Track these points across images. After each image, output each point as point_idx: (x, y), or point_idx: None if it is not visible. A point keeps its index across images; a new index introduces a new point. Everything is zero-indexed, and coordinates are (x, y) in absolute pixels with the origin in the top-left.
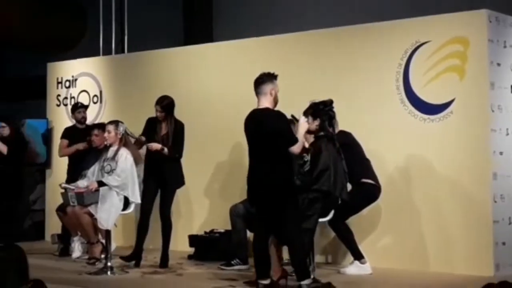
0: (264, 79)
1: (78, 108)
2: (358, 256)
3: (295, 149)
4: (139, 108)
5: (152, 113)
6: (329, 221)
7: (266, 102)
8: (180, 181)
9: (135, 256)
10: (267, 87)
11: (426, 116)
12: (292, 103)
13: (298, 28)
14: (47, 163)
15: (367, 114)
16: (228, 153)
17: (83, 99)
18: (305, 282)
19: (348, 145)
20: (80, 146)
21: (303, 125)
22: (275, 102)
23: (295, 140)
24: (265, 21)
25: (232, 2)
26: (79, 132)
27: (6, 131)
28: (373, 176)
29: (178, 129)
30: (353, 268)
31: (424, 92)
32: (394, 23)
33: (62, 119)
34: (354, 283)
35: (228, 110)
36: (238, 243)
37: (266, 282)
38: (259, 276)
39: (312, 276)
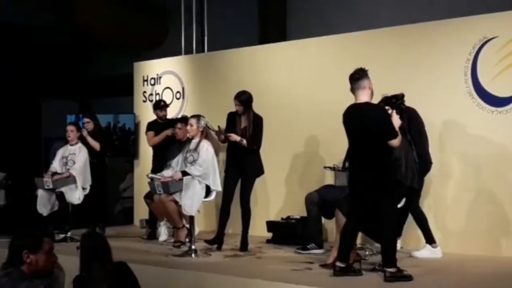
0: (361, 74)
1: (161, 107)
2: (431, 240)
3: (396, 142)
4: (219, 103)
5: (231, 108)
6: (409, 208)
7: (365, 97)
8: (259, 171)
9: (217, 240)
10: (365, 82)
11: (493, 108)
12: None
13: (369, 26)
14: (135, 155)
15: (437, 107)
16: (304, 145)
17: (167, 95)
18: (391, 269)
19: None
20: (168, 132)
21: (395, 119)
22: (372, 96)
23: (396, 134)
24: (337, 19)
25: (305, 1)
26: (161, 126)
27: (90, 125)
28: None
29: (257, 121)
30: (425, 252)
31: (491, 85)
32: (462, 20)
33: (148, 114)
34: (428, 267)
35: (303, 105)
36: (314, 229)
37: (343, 265)
38: (339, 258)
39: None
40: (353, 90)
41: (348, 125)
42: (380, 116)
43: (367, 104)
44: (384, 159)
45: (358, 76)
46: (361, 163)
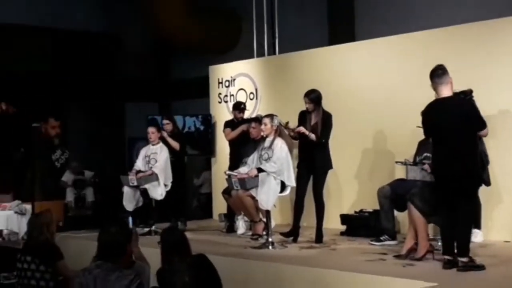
0: (444, 70)
1: (240, 109)
2: (478, 225)
3: (486, 132)
4: (290, 103)
5: (302, 107)
6: None
7: (447, 91)
8: (328, 165)
9: (293, 233)
10: (447, 77)
11: None
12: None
13: (437, 24)
14: (212, 153)
15: (503, 104)
16: (373, 141)
17: (241, 96)
18: (463, 259)
19: None
20: (244, 127)
21: None
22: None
23: (485, 124)
24: (404, 19)
25: (373, 3)
26: (236, 125)
27: (169, 127)
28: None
29: (326, 118)
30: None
31: None
32: None
33: (223, 114)
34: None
35: (371, 103)
36: (386, 221)
37: (450, 258)
38: (444, 252)
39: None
40: (436, 85)
41: (432, 120)
42: (469, 107)
43: (452, 98)
44: (474, 151)
45: (441, 72)
46: (450, 156)
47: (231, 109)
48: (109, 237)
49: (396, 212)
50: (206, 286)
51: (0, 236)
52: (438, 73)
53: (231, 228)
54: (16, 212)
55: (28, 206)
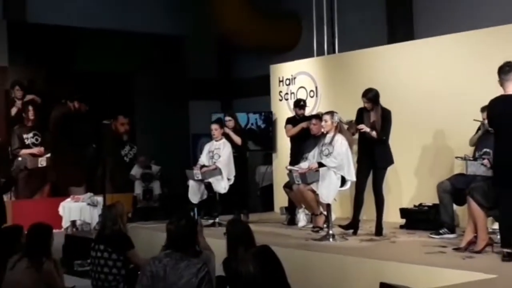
0: (510, 67)
1: (300, 106)
2: None
3: None
4: (350, 100)
5: (361, 103)
6: None
7: None
8: (389, 161)
9: (352, 226)
10: None
11: None
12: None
13: (500, 21)
14: (273, 148)
15: None
16: (432, 137)
17: (301, 94)
18: (507, 249)
19: None
20: (304, 124)
21: None
22: None
23: None
24: (463, 17)
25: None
26: (298, 121)
27: (231, 123)
28: None
29: (385, 115)
30: None
31: None
32: None
33: (283, 112)
34: None
35: (430, 100)
36: (446, 215)
37: (510, 250)
38: (503, 245)
39: None
40: (502, 81)
41: (497, 115)
42: None
43: None
44: None
45: (508, 69)
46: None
47: (292, 106)
48: (178, 228)
49: (455, 206)
50: (271, 276)
51: (73, 226)
52: (504, 70)
53: (292, 221)
54: (88, 204)
55: (99, 198)
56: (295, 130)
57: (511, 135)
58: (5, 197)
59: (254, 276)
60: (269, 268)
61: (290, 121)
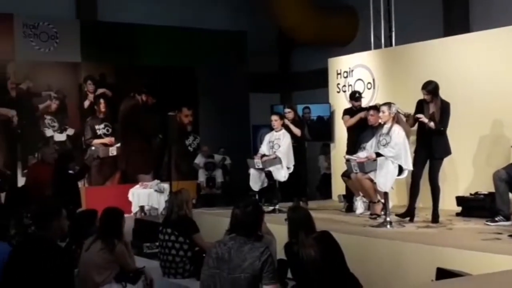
0: None
1: (356, 98)
2: None
3: None
4: (407, 91)
5: (418, 96)
6: None
7: None
8: (446, 151)
9: (409, 213)
10: None
11: None
12: None
13: None
14: (331, 139)
15: None
16: (489, 127)
17: (359, 86)
18: None
19: None
20: (362, 114)
21: None
22: None
23: None
24: None
25: None
26: (355, 112)
27: (290, 115)
28: None
29: (444, 107)
30: None
31: None
32: None
33: (341, 103)
34: None
35: (487, 91)
36: (501, 203)
37: None
38: None
39: None
40: None
41: None
42: None
43: None
44: None
45: None
46: None
47: (348, 98)
48: (245, 214)
49: (510, 195)
50: (331, 260)
51: (142, 211)
52: None
53: (349, 208)
54: (155, 191)
55: (166, 185)
56: (353, 120)
57: None
58: (80, 184)
59: (315, 259)
60: (330, 253)
61: (348, 112)
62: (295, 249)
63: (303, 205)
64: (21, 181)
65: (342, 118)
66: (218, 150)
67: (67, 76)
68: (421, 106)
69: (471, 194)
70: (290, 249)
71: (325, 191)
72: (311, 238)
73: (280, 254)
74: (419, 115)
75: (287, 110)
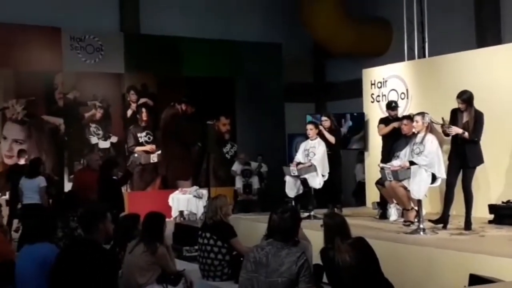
0: None
1: (392, 108)
2: None
3: None
4: (440, 102)
5: (451, 106)
6: None
7: None
8: (479, 160)
9: (442, 220)
10: None
11: None
12: None
13: None
14: (365, 147)
15: None
16: None
17: (392, 96)
18: None
19: None
20: (395, 124)
21: None
22: None
23: None
24: None
25: None
26: (390, 121)
27: (327, 123)
28: None
29: (478, 116)
30: None
31: None
32: None
33: (375, 113)
34: None
35: None
36: None
37: None
38: None
39: None
40: None
41: None
42: None
43: None
44: None
45: None
46: None
47: (384, 108)
48: (282, 220)
49: None
50: (366, 265)
51: (181, 215)
52: None
53: (383, 215)
54: (194, 196)
55: (204, 191)
56: (387, 129)
57: None
58: (123, 189)
59: (350, 265)
60: (365, 258)
61: (383, 121)
62: (330, 254)
63: (337, 212)
64: (67, 186)
65: (377, 126)
66: (256, 158)
67: (111, 86)
68: (455, 115)
69: (503, 202)
70: (326, 254)
71: (360, 199)
72: (346, 244)
73: (316, 259)
74: (454, 128)
75: (323, 118)
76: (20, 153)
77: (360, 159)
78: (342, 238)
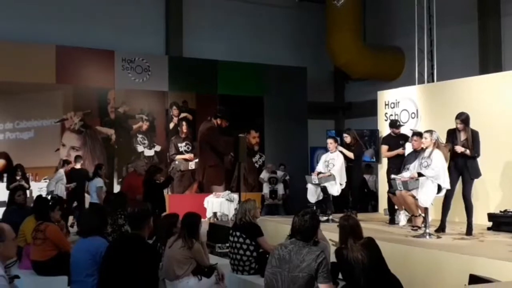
0: None
1: (397, 126)
2: None
3: None
4: (446, 121)
5: (453, 125)
6: None
7: None
8: (478, 173)
9: (441, 228)
10: None
11: None
12: None
13: None
14: (379, 160)
15: None
16: None
17: (404, 116)
18: None
19: None
20: (400, 151)
21: None
22: None
23: None
24: None
25: None
26: (393, 139)
27: (348, 139)
28: None
29: (475, 135)
30: None
31: None
32: None
33: (388, 130)
34: None
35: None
36: None
37: None
38: None
39: None
40: None
41: None
42: None
43: None
44: None
45: None
46: None
47: (389, 127)
48: (303, 222)
49: None
50: (375, 263)
51: (214, 216)
52: None
53: (393, 221)
54: (226, 200)
55: (235, 195)
56: (391, 154)
57: None
58: (164, 192)
59: (362, 262)
60: (374, 257)
61: (386, 140)
62: (344, 253)
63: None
64: (116, 188)
65: (381, 146)
66: (279, 167)
67: (156, 102)
68: (452, 134)
69: (500, 211)
70: (341, 254)
71: (365, 206)
72: (358, 244)
73: (333, 257)
74: (458, 147)
75: (344, 134)
76: (77, 158)
77: (368, 171)
78: (355, 238)
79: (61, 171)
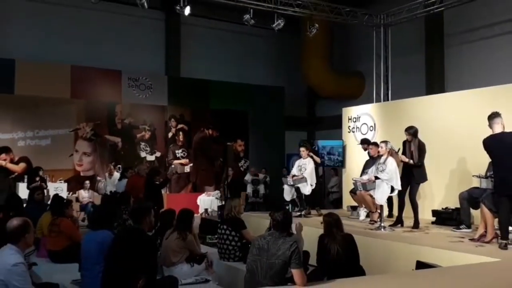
0: (496, 114)
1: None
2: None
3: None
4: (398, 133)
5: (405, 137)
6: None
7: (499, 129)
8: (423, 178)
9: (398, 222)
10: (498, 119)
11: None
12: None
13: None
14: (343, 165)
15: None
16: (457, 162)
17: (364, 128)
18: (504, 241)
19: None
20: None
21: None
22: (504, 128)
23: None
24: (486, 74)
25: (460, 68)
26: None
27: (304, 153)
28: None
29: (421, 146)
30: None
31: None
32: None
33: (351, 140)
34: None
35: (458, 137)
36: (464, 216)
37: (505, 241)
38: (502, 237)
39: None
40: (491, 125)
41: (491, 147)
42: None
43: (503, 133)
44: None
45: (493, 115)
46: (506, 172)
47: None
48: (277, 217)
49: (471, 210)
50: (350, 255)
51: (206, 212)
52: (491, 116)
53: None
54: (216, 198)
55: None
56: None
57: (500, 161)
58: (163, 191)
59: (338, 252)
60: (350, 249)
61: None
62: (325, 240)
63: (319, 212)
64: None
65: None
66: (261, 170)
67: (157, 115)
68: (405, 145)
69: (442, 208)
70: (322, 240)
71: (337, 204)
72: (340, 236)
73: (306, 247)
74: (402, 157)
75: (301, 149)
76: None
77: (334, 173)
78: (337, 229)
79: (116, 174)
